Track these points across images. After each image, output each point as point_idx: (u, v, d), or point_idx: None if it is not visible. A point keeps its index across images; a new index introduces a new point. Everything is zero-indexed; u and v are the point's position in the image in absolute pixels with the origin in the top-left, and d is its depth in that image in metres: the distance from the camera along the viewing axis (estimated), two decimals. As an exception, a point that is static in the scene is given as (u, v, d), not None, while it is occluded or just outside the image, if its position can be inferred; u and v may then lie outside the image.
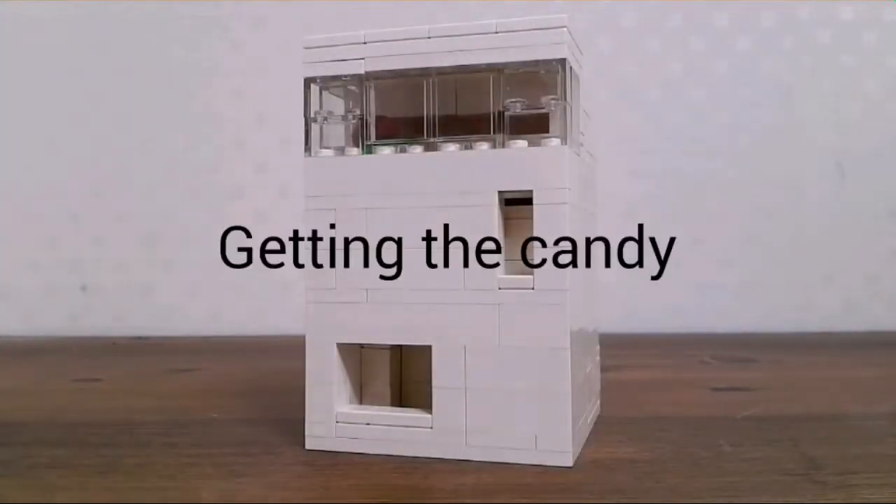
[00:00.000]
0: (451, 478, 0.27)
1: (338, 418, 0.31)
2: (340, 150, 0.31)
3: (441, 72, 0.30)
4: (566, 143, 0.29)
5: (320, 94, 0.32)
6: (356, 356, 0.32)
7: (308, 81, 0.32)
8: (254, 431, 0.32)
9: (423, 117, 0.30)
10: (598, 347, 0.37)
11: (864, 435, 0.33)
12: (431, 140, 0.30)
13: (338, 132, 0.32)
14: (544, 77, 0.29)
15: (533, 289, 0.28)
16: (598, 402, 0.37)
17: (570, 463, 0.28)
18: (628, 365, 0.52)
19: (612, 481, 0.27)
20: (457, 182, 0.29)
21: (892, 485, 0.26)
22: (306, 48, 0.32)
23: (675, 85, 0.78)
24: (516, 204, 0.30)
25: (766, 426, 0.35)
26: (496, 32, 0.29)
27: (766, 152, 0.79)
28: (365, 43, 0.30)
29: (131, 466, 0.29)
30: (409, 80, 0.30)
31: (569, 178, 0.28)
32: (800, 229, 0.79)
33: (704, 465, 0.28)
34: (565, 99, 0.29)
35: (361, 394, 0.33)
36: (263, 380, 0.49)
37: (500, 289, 0.29)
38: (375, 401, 0.32)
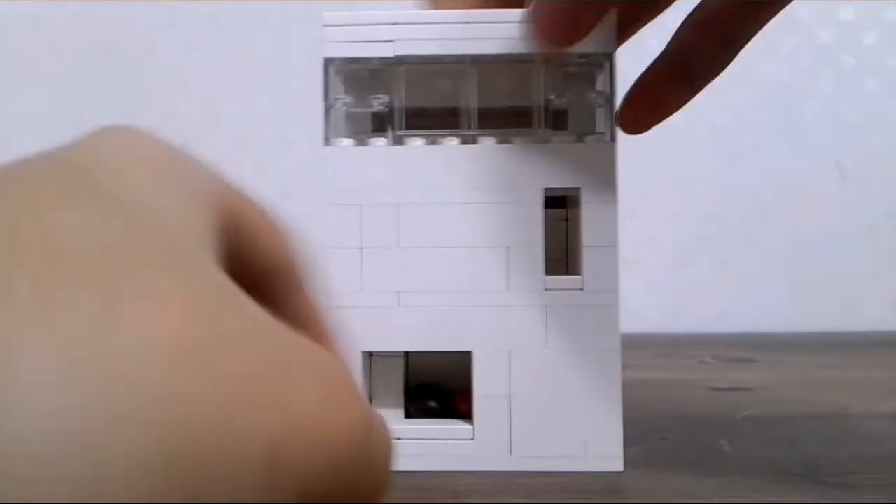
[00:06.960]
0: (452, 478, 0.27)
1: None
2: (363, 140, 0.29)
3: (480, 60, 0.28)
4: (613, 140, 0.28)
5: (334, 77, 0.29)
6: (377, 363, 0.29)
7: (327, 63, 0.28)
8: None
9: (458, 108, 0.28)
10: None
11: (864, 435, 0.33)
12: (468, 132, 0.28)
13: (354, 120, 0.30)
14: (587, 71, 0.28)
15: (582, 290, 0.27)
16: None
17: (620, 467, 0.27)
18: (628, 365, 0.52)
19: (612, 481, 0.27)
20: (498, 178, 0.27)
21: (892, 485, 0.26)
22: (326, 25, 0.28)
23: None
24: (548, 206, 0.28)
25: (766, 426, 0.35)
26: None
27: (766, 152, 0.78)
28: (395, 24, 0.27)
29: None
30: (443, 67, 0.28)
31: (617, 176, 0.28)
32: (800, 229, 0.79)
33: (704, 465, 0.28)
34: (613, 94, 0.28)
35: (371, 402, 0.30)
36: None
37: (546, 290, 0.27)
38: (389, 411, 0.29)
